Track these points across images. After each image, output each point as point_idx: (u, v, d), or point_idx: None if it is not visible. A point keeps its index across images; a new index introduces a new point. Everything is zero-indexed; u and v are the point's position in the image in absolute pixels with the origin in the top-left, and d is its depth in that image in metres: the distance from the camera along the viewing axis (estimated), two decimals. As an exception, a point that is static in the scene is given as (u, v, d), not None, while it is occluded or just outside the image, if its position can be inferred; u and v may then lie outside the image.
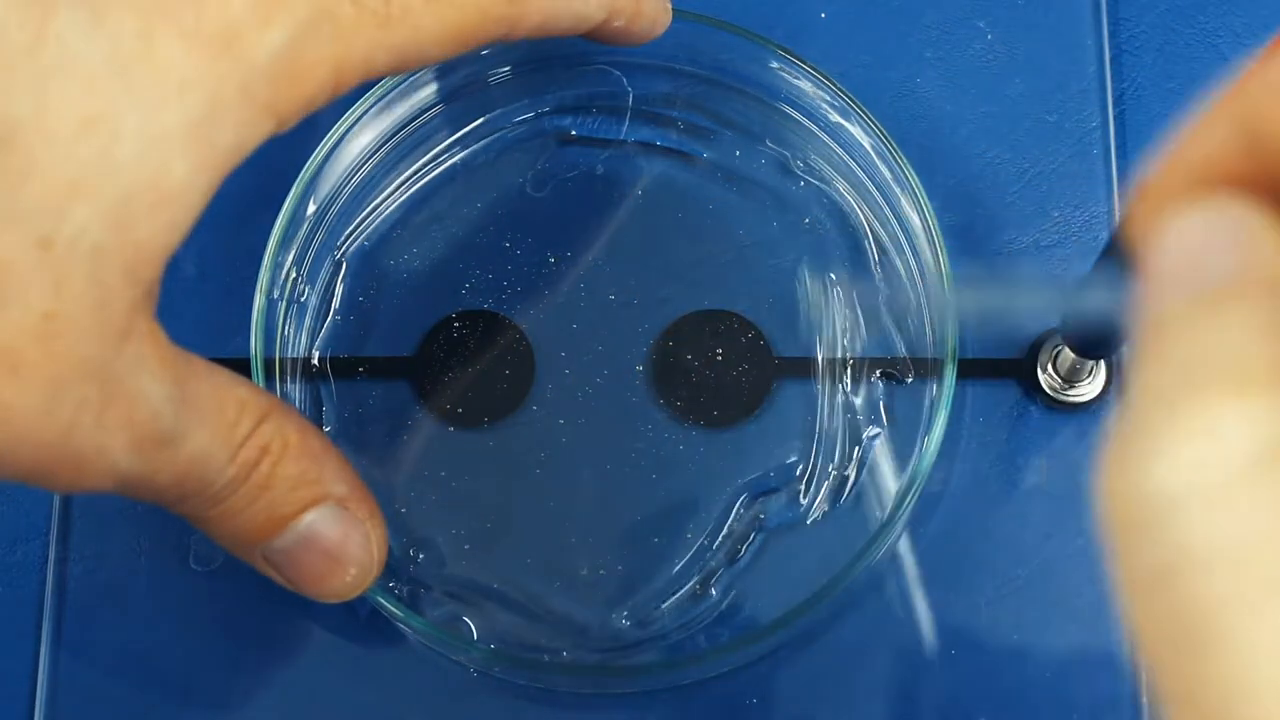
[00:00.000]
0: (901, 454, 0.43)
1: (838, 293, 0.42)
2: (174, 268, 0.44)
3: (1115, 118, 0.46)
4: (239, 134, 0.32)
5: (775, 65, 0.44)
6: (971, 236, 0.45)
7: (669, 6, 0.42)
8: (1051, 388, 0.43)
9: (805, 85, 0.44)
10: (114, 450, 0.32)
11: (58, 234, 0.29)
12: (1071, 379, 0.43)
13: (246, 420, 0.35)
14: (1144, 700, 0.42)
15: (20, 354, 0.30)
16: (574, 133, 0.46)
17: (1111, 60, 0.46)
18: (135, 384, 0.32)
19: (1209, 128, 0.21)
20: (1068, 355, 0.42)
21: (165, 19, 0.30)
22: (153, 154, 0.30)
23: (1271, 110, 0.20)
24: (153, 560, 0.43)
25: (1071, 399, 0.43)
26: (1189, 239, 0.21)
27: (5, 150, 0.29)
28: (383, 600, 0.40)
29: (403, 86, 0.44)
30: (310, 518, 0.36)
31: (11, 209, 0.29)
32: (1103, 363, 0.43)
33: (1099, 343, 0.40)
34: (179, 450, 0.33)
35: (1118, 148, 0.46)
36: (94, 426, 0.31)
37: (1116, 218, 0.45)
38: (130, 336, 0.31)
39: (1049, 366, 0.43)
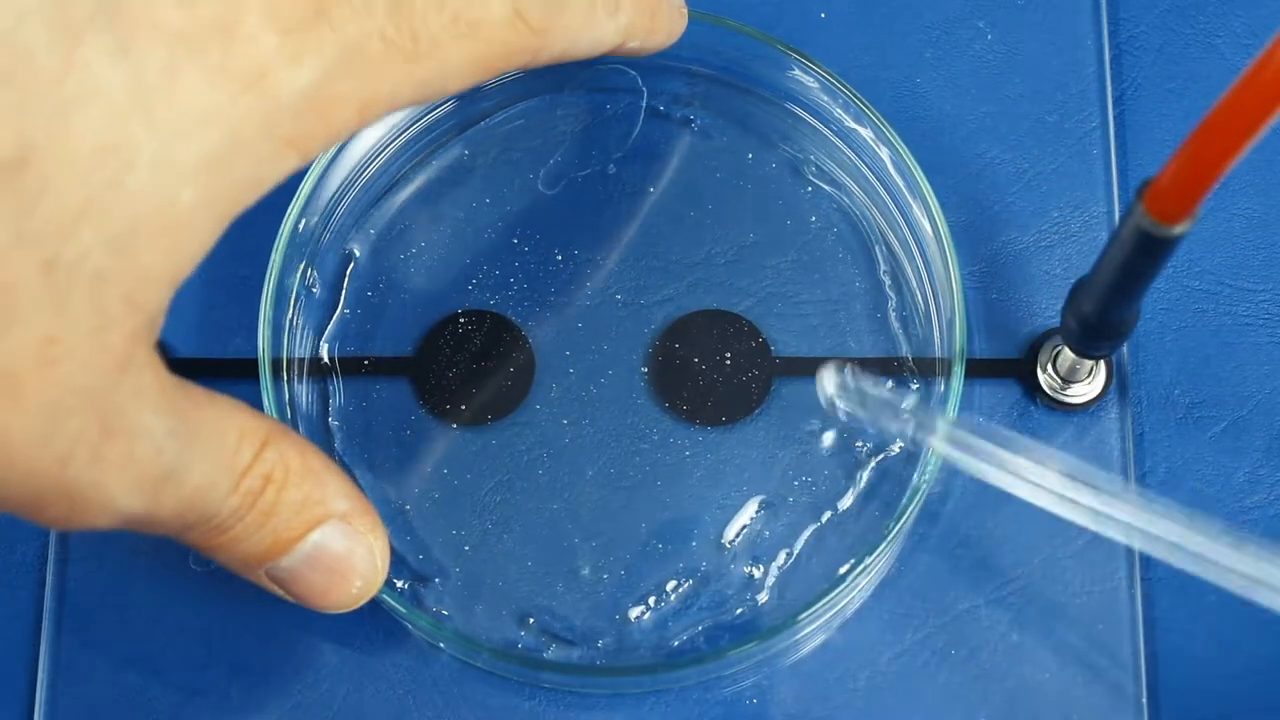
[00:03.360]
0: (906, 456, 0.43)
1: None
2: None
3: (1115, 118, 0.46)
4: (259, 169, 0.32)
5: (790, 68, 0.44)
6: (971, 236, 0.45)
7: (685, 12, 0.42)
8: (1051, 388, 0.43)
9: (820, 89, 0.44)
10: (111, 487, 0.32)
11: (61, 257, 0.29)
12: (1071, 379, 0.43)
13: (247, 448, 0.35)
14: (1144, 700, 0.42)
15: (20, 378, 0.29)
16: (587, 131, 0.46)
17: (1111, 60, 0.46)
18: (136, 418, 0.31)
19: None
20: (1067, 355, 0.42)
21: (192, 53, 0.30)
22: (164, 184, 0.30)
23: None
24: (153, 560, 0.43)
25: (1071, 399, 0.43)
26: None
27: (21, 171, 0.29)
28: (384, 597, 0.40)
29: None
30: (315, 537, 0.36)
31: (22, 230, 0.29)
32: (1102, 363, 0.43)
33: (1099, 343, 0.40)
34: (181, 484, 0.33)
35: (1117, 148, 0.46)
36: (90, 461, 0.31)
37: (1116, 218, 0.45)
38: (130, 367, 0.31)
39: (1049, 366, 0.43)
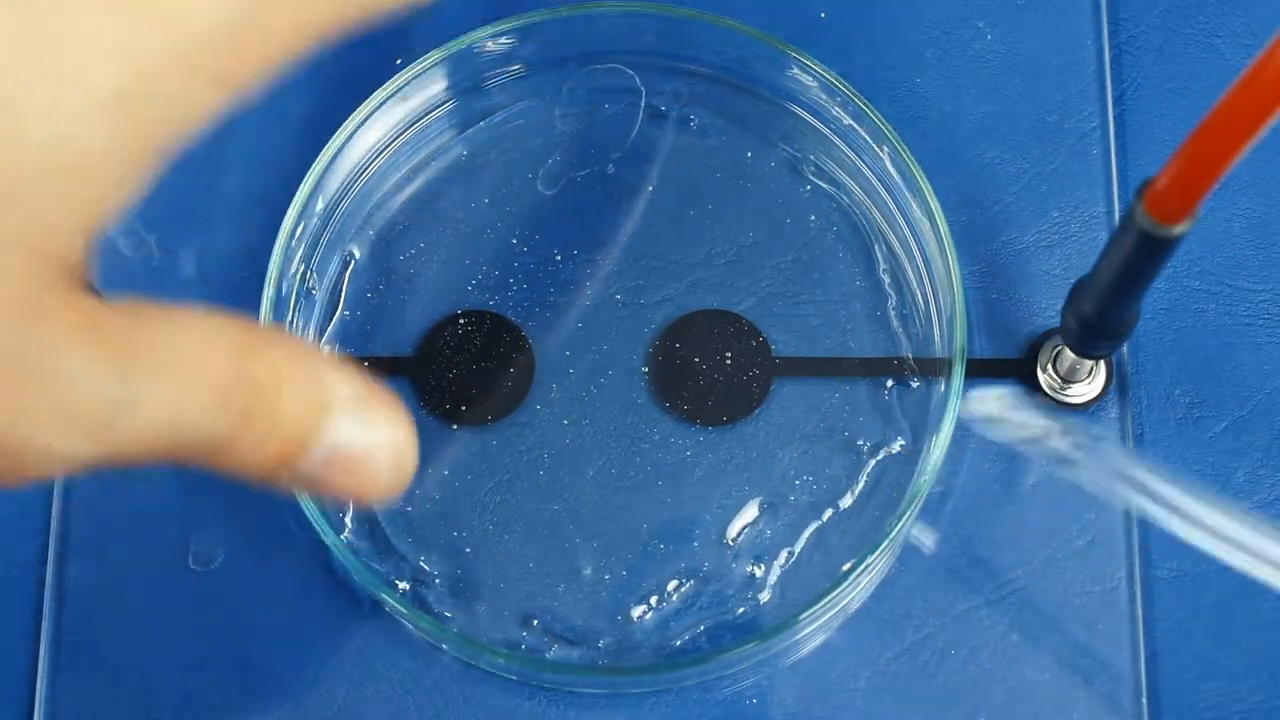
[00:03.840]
0: (906, 455, 0.43)
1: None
2: (174, 268, 0.45)
3: (1115, 118, 0.46)
4: (178, 106, 0.30)
5: (789, 68, 0.44)
6: (971, 236, 0.45)
7: None
8: (1051, 388, 0.43)
9: (818, 88, 0.44)
10: (44, 437, 0.30)
11: None
12: (1071, 379, 0.43)
13: (219, 359, 0.32)
14: (1144, 700, 0.42)
15: None
16: (586, 131, 0.46)
17: (1111, 60, 0.46)
18: (57, 365, 0.30)
19: None
20: (1067, 355, 0.42)
21: None
22: (64, 128, 0.29)
23: None
24: (152, 560, 0.43)
25: (1071, 399, 0.43)
26: None
27: None
28: (385, 597, 0.40)
29: (413, 82, 0.44)
30: (326, 438, 0.34)
31: None
32: (1102, 363, 0.43)
33: (1099, 343, 0.40)
34: (138, 416, 0.31)
35: (1117, 148, 0.46)
36: (12, 418, 0.29)
37: (1116, 218, 0.45)
38: (44, 317, 0.29)
39: (1049, 366, 0.43)
